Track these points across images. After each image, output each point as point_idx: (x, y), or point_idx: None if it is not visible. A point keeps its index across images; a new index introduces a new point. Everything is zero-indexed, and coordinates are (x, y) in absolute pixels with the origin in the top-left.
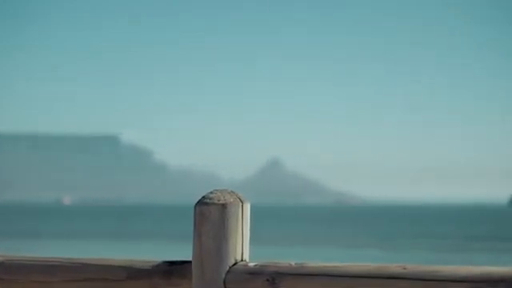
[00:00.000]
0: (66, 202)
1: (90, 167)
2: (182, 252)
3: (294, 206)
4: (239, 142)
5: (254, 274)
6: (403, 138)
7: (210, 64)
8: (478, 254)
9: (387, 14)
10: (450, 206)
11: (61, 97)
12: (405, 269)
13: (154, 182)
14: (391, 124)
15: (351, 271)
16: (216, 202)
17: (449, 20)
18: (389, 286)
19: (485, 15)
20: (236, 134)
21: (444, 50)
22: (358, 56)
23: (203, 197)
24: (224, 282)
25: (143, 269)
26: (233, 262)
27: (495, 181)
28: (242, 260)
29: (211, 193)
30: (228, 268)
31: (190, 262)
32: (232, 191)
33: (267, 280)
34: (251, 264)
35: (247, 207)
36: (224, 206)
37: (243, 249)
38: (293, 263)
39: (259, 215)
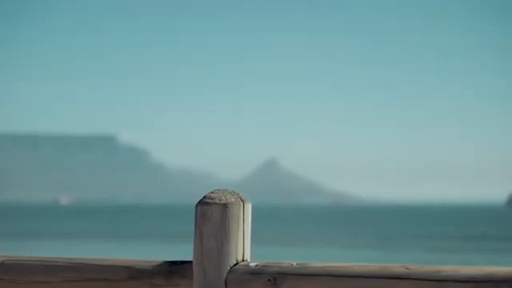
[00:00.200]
0: (63, 201)
1: (87, 167)
2: (182, 252)
3: (291, 206)
4: (236, 142)
5: (256, 274)
6: (403, 138)
7: (209, 64)
8: (477, 255)
9: (387, 14)
10: (449, 206)
11: (60, 97)
12: (407, 269)
13: (151, 181)
14: (391, 124)
15: (353, 271)
16: (217, 201)
17: (449, 20)
18: (391, 286)
19: (485, 15)
20: (233, 134)
21: (444, 50)
22: (358, 56)
23: (204, 196)
24: (225, 282)
25: (144, 269)
26: (234, 262)
27: (495, 181)
28: (243, 260)
29: (212, 192)
30: (229, 268)
31: (190, 261)
32: (233, 191)
33: (268, 280)
34: (252, 264)
35: (248, 207)
36: (225, 205)
37: (244, 249)
38: (294, 263)
39: (257, 215)
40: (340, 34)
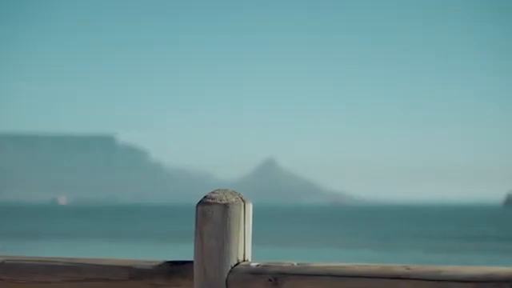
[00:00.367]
0: (62, 201)
1: (86, 167)
2: (182, 252)
3: (289, 206)
4: (236, 142)
5: (257, 274)
6: (403, 138)
7: (209, 64)
8: (476, 255)
9: (387, 14)
10: (449, 206)
11: (60, 97)
12: (408, 269)
13: (150, 182)
14: (391, 124)
15: (354, 271)
16: (218, 201)
17: (449, 20)
18: (392, 286)
19: (485, 15)
20: (233, 134)
21: (444, 50)
22: (358, 56)
23: (205, 196)
24: (226, 282)
25: (144, 269)
26: (235, 262)
27: (495, 181)
28: (244, 260)
29: (213, 192)
30: (230, 268)
31: (191, 261)
32: (234, 191)
33: (270, 280)
34: (253, 264)
35: (249, 207)
36: (226, 205)
37: (245, 249)
38: (295, 263)
39: (255, 215)
40: (340, 34)
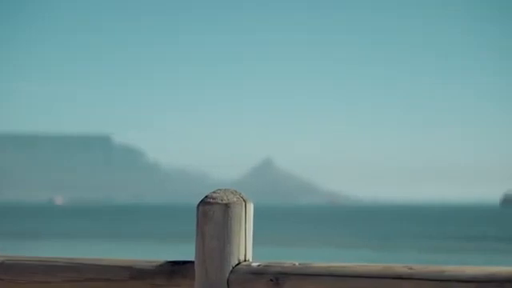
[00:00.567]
0: (58, 201)
1: (83, 167)
2: (182, 252)
3: (287, 206)
4: (233, 142)
5: (258, 274)
6: (403, 138)
7: (209, 64)
8: (476, 254)
9: (387, 14)
10: (449, 206)
11: (60, 97)
12: (411, 269)
13: (146, 181)
14: (391, 124)
15: (356, 271)
16: (219, 201)
17: (449, 20)
18: (394, 286)
19: (485, 15)
20: (231, 134)
21: (444, 50)
22: (358, 56)
23: (206, 196)
24: (227, 282)
25: (145, 269)
26: (236, 262)
27: (495, 181)
28: (245, 260)
29: (214, 192)
30: (231, 268)
31: (192, 262)
32: (235, 190)
33: (271, 280)
34: (255, 264)
35: (250, 207)
36: (227, 205)
37: (246, 249)
38: (297, 263)
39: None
40: (340, 34)
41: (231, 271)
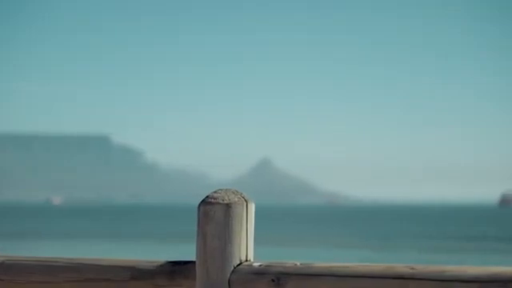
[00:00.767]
0: (56, 202)
1: (80, 167)
2: (182, 252)
3: (285, 206)
4: (233, 142)
5: (259, 274)
6: (403, 138)
7: (209, 64)
8: (476, 255)
9: (387, 14)
10: (449, 206)
11: (60, 97)
12: (412, 269)
13: (145, 181)
14: (391, 124)
15: (357, 271)
16: (220, 201)
17: (449, 20)
18: (396, 286)
19: (485, 15)
20: (231, 134)
21: (444, 50)
22: (358, 56)
23: (207, 196)
24: (229, 282)
25: (146, 269)
26: (237, 262)
27: (495, 181)
28: (246, 260)
29: (215, 192)
30: (233, 268)
31: (193, 262)
32: (236, 190)
33: (272, 280)
34: (256, 264)
35: (252, 207)
36: (228, 205)
37: (248, 249)
38: (298, 263)
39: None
40: (340, 34)
41: (232, 271)
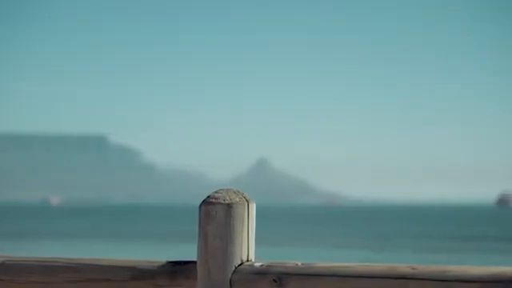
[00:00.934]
0: (54, 202)
1: (78, 167)
2: (182, 252)
3: (283, 206)
4: (231, 142)
5: (261, 274)
6: (403, 138)
7: (209, 64)
8: (476, 255)
9: (387, 14)
10: (449, 206)
11: (60, 97)
12: (414, 269)
13: (144, 181)
14: (391, 124)
15: (358, 271)
16: (222, 201)
17: (449, 20)
18: (397, 286)
19: (485, 15)
20: (228, 134)
21: (444, 50)
22: (358, 56)
23: (208, 196)
24: (230, 282)
25: (147, 269)
26: (239, 262)
27: (495, 181)
28: (247, 260)
29: (216, 192)
30: (234, 268)
31: (194, 262)
32: (237, 190)
33: (274, 280)
34: (257, 264)
35: (253, 207)
36: (230, 205)
37: (249, 249)
38: (299, 263)
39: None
40: (340, 34)
41: (234, 271)
